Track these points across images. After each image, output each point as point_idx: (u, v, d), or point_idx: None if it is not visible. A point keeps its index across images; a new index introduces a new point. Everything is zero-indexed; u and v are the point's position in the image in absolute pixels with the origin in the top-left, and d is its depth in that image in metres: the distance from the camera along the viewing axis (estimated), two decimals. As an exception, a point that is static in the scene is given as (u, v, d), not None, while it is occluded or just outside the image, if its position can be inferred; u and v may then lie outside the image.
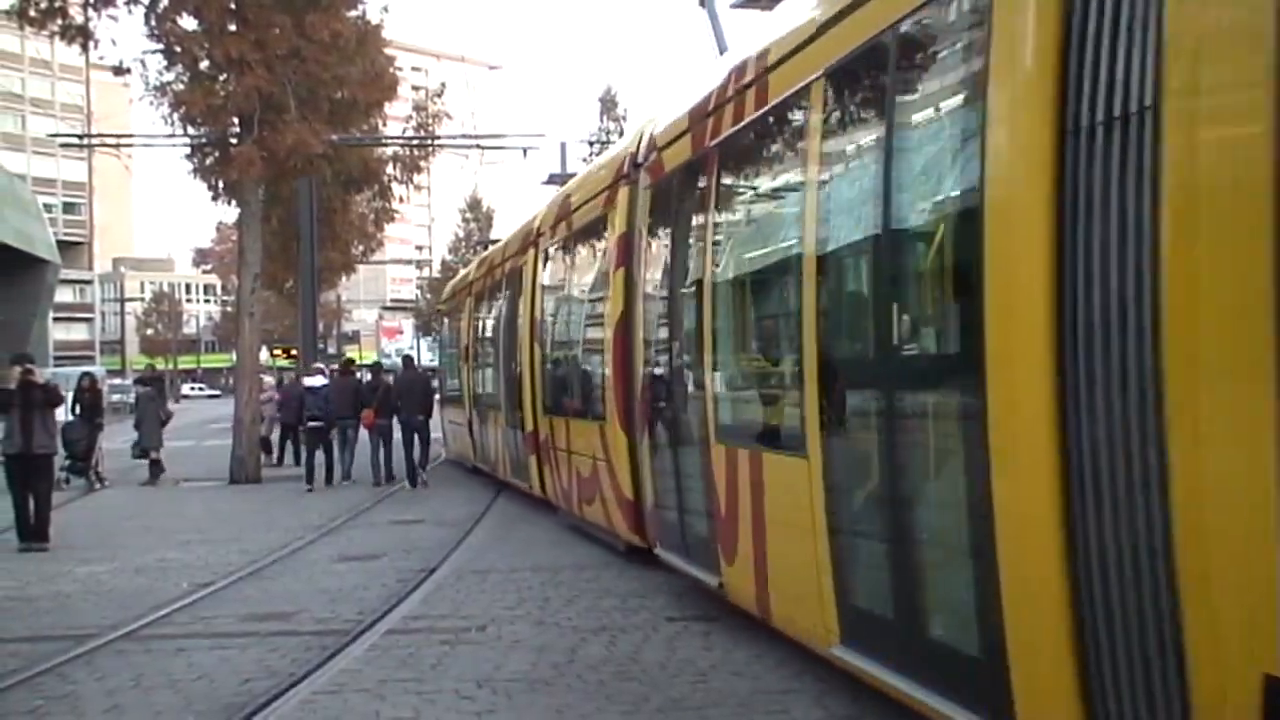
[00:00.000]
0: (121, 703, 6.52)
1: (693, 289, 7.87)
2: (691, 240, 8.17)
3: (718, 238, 7.61)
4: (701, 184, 7.80)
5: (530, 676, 6.81)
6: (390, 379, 20.48)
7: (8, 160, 69.81)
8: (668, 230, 8.83)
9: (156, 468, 20.81)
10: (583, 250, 12.20)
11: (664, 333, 8.91)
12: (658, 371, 9.00)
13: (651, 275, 9.25)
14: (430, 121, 30.84)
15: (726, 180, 7.54)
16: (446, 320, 25.95)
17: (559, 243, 13.10)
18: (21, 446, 12.54)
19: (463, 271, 24.64)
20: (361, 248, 36.69)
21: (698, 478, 7.79)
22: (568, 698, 6.35)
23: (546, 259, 13.68)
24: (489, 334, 18.10)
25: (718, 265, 7.56)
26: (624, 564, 10.51)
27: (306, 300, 30.74)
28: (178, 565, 11.47)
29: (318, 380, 20.33)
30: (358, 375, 20.97)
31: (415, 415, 18.98)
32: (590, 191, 11.68)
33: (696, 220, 8.04)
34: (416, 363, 27.25)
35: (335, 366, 24.11)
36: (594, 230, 11.39)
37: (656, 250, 9.17)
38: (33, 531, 12.60)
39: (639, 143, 10.05)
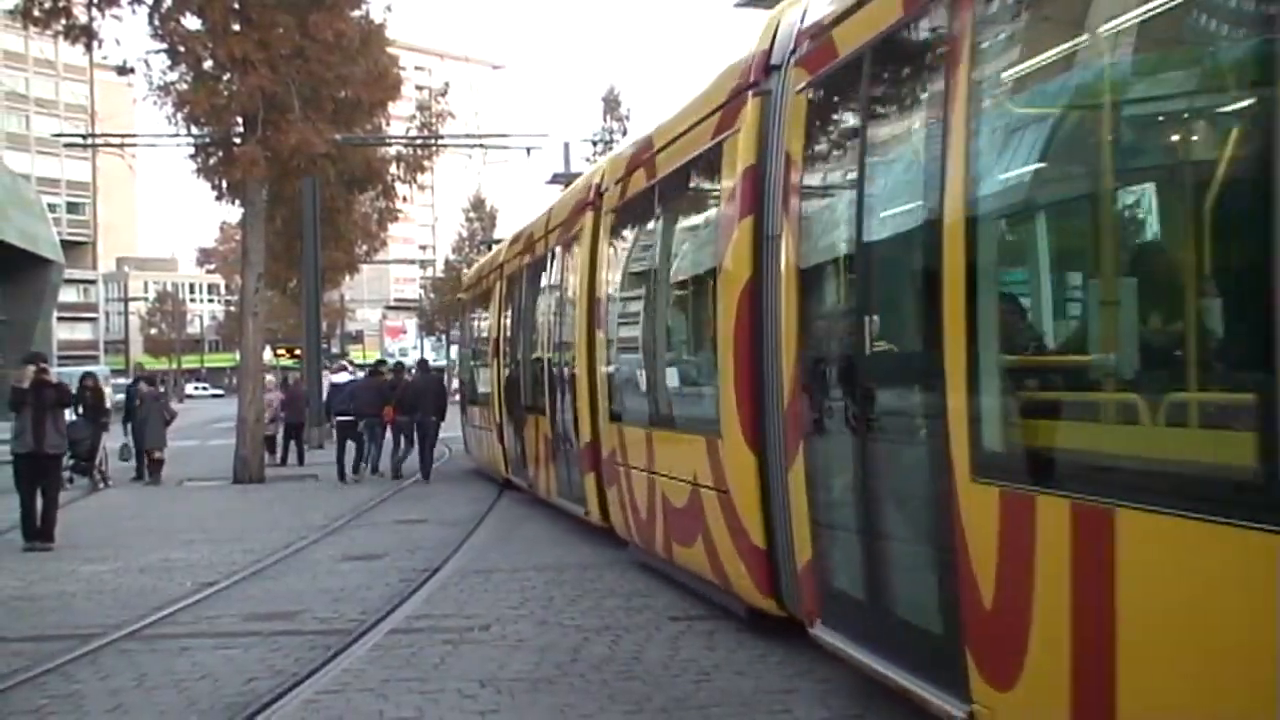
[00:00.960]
0: (125, 702, 6.53)
1: (922, 222, 4.97)
2: (915, 146, 5.23)
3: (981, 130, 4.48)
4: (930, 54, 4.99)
5: (533, 676, 6.81)
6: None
7: (12, 160, 69.88)
8: (846, 145, 6.05)
9: (157, 467, 20.84)
10: (675, 202, 9.11)
11: (843, 299, 6.06)
12: (826, 361, 6.10)
13: (814, 215, 6.47)
14: (434, 121, 30.92)
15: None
16: (468, 311, 22.87)
17: (635, 198, 9.91)
18: (34, 446, 12.46)
19: (491, 253, 19.96)
20: (365, 247, 36.74)
21: (923, 535, 5.11)
22: (570, 697, 6.35)
23: (617, 221, 10.58)
24: (528, 323, 14.96)
25: (989, 182, 4.51)
26: (627, 564, 10.51)
27: (310, 300, 30.81)
28: (181, 564, 11.48)
29: (342, 377, 22.56)
30: (385, 375, 21.60)
31: (428, 416, 19.94)
32: (690, 119, 8.50)
33: (922, 116, 5.15)
34: (430, 365, 27.34)
35: (349, 364, 25.34)
36: (695, 172, 8.53)
37: (820, 177, 6.40)
38: (39, 531, 12.56)
39: (773, 35, 7.14)
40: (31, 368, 12.70)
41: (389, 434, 20.58)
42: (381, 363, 25.02)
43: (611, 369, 10.49)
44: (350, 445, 20.62)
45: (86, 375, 20.33)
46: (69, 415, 14.45)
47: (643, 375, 9.58)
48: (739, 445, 7.13)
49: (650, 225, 9.73)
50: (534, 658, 7.23)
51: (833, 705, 6.04)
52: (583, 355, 11.26)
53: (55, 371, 13.98)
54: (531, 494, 14.85)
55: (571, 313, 11.85)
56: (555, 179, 55.18)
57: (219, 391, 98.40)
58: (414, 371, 22.14)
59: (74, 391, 16.74)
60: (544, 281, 14.07)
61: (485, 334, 19.25)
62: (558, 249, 13.12)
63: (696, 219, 8.70)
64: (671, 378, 9.09)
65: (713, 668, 6.89)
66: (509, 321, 16.60)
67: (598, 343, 10.80)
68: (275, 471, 21.50)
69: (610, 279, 10.64)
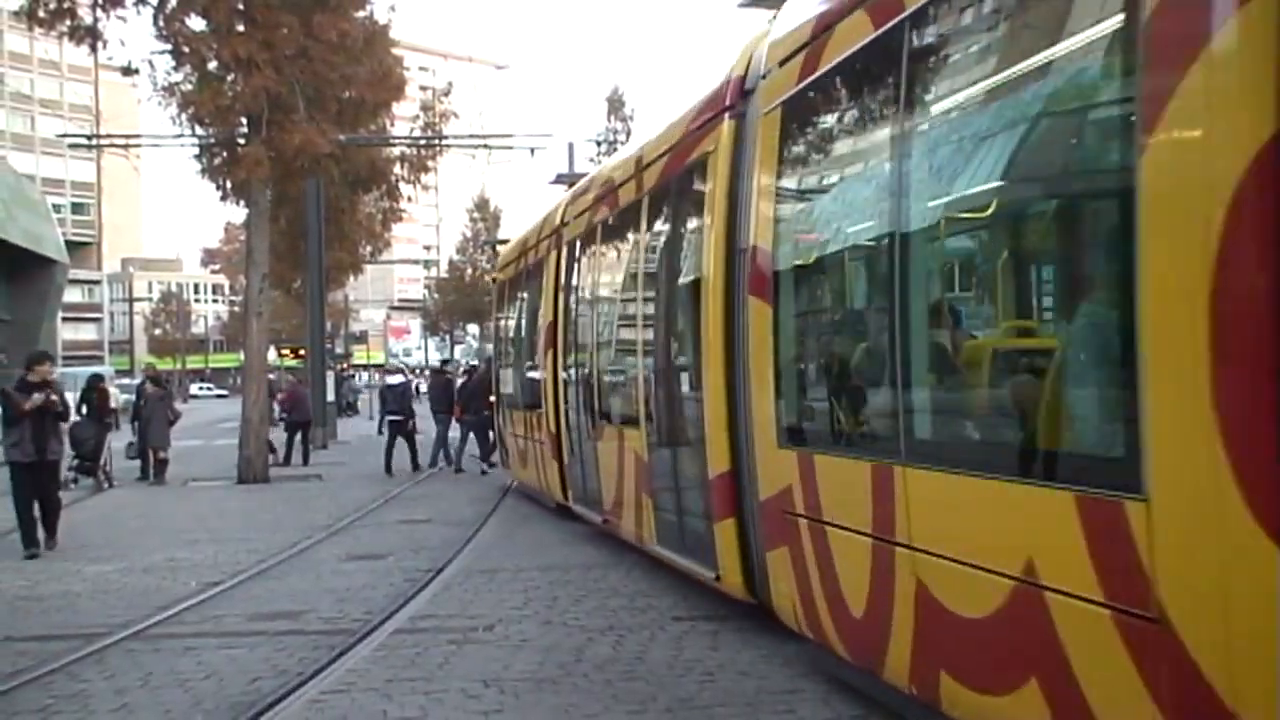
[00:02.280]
0: (130, 701, 6.55)
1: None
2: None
3: None
4: None
5: (537, 676, 6.82)
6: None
7: (17, 161, 69.96)
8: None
9: (162, 467, 20.89)
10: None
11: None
12: None
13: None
14: (437, 121, 30.93)
15: None
16: (504, 296, 18.42)
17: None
18: (35, 455, 12.16)
19: (539, 220, 15.62)
20: (369, 247, 36.75)
21: None
22: (574, 697, 6.36)
23: (798, 123, 6.50)
24: (607, 303, 11.28)
25: None
26: (631, 564, 10.52)
27: (315, 300, 30.85)
28: (186, 564, 11.50)
29: (397, 378, 24.16)
30: (449, 375, 23.20)
31: (480, 413, 20.96)
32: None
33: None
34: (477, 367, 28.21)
35: (403, 366, 26.54)
36: None
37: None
38: (42, 532, 12.41)
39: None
40: (39, 395, 12.13)
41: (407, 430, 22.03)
42: (446, 362, 26.91)
43: (796, 358, 6.72)
44: (399, 442, 21.98)
45: (93, 377, 20.37)
46: (73, 415, 14.36)
47: (873, 375, 5.67)
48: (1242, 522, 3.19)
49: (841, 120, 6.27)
50: (538, 658, 7.24)
51: (836, 706, 6.05)
52: (714, 344, 7.61)
53: (59, 371, 13.66)
54: (607, 532, 11.30)
55: (695, 280, 8.08)
56: (559, 179, 55.24)
57: (223, 392, 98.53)
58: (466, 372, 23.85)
59: (73, 393, 16.76)
60: (636, 242, 10.16)
61: (530, 321, 15.48)
62: (665, 193, 9.17)
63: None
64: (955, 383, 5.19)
65: (717, 668, 6.90)
66: (572, 302, 12.48)
67: (754, 322, 6.88)
68: (279, 471, 21.53)
69: (767, 214, 6.79)
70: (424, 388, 31.43)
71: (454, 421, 21.75)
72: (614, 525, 10.79)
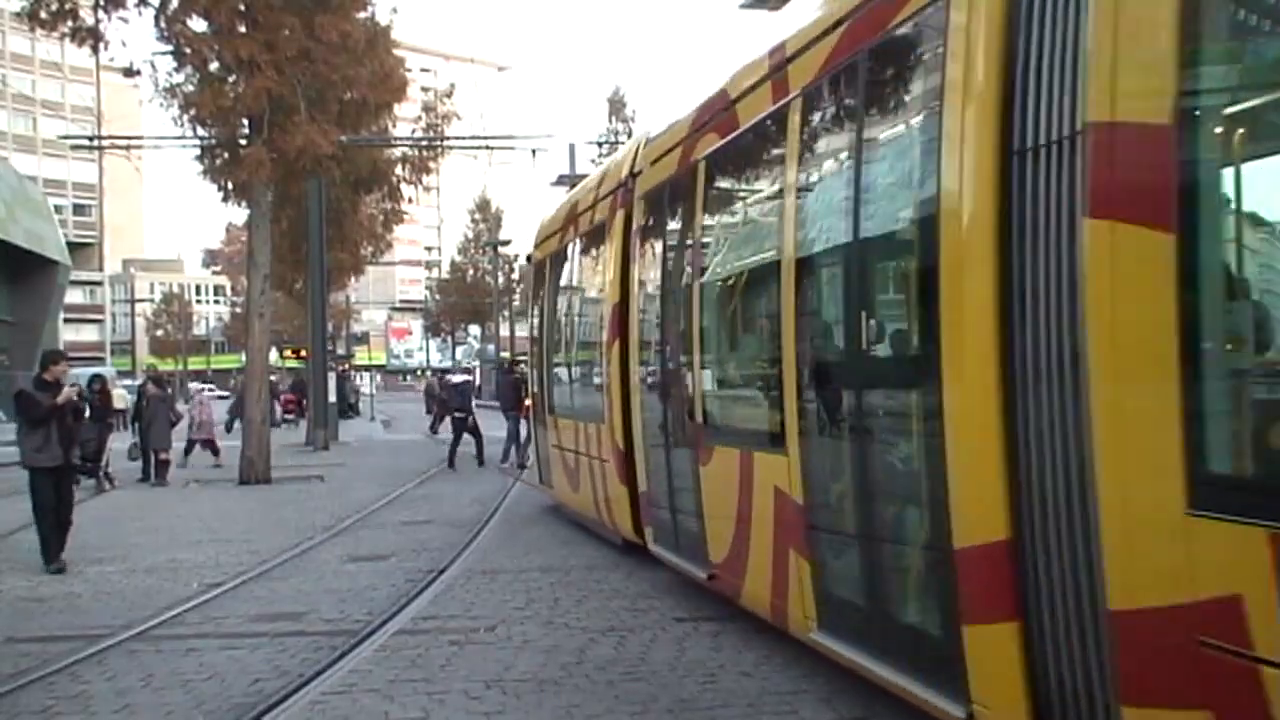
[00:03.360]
0: (132, 702, 6.55)
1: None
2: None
3: None
4: None
5: (539, 677, 6.82)
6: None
7: (19, 162, 70.06)
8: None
9: (163, 468, 20.90)
10: None
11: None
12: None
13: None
14: (439, 122, 30.92)
15: None
16: (546, 274, 14.36)
17: None
18: (63, 459, 11.54)
19: (595, 174, 13.37)
20: (371, 249, 36.77)
21: None
22: (576, 698, 6.36)
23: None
24: (731, 273, 8.15)
25: None
26: (633, 565, 10.52)
27: (316, 301, 30.86)
28: (188, 565, 11.50)
29: (460, 378, 26.69)
30: (518, 375, 24.13)
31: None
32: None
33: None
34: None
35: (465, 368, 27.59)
36: None
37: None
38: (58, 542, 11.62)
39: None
40: (70, 389, 11.64)
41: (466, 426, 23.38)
42: (516, 362, 28.09)
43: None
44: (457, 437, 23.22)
45: (95, 378, 20.37)
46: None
47: None
48: None
49: None
50: (540, 659, 7.24)
51: (839, 707, 6.05)
52: (977, 320, 4.52)
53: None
54: (714, 592, 8.26)
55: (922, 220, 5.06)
56: (561, 180, 55.30)
57: (225, 393, 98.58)
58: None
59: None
60: (782, 178, 6.70)
61: (582, 306, 12.67)
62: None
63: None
64: None
65: (718, 669, 6.90)
66: (654, 276, 9.49)
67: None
68: (282, 473, 21.52)
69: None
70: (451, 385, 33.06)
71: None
72: (729, 586, 7.75)
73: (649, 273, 9.65)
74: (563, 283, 13.74)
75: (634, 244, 10.06)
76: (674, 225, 9.00)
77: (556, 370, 14.01)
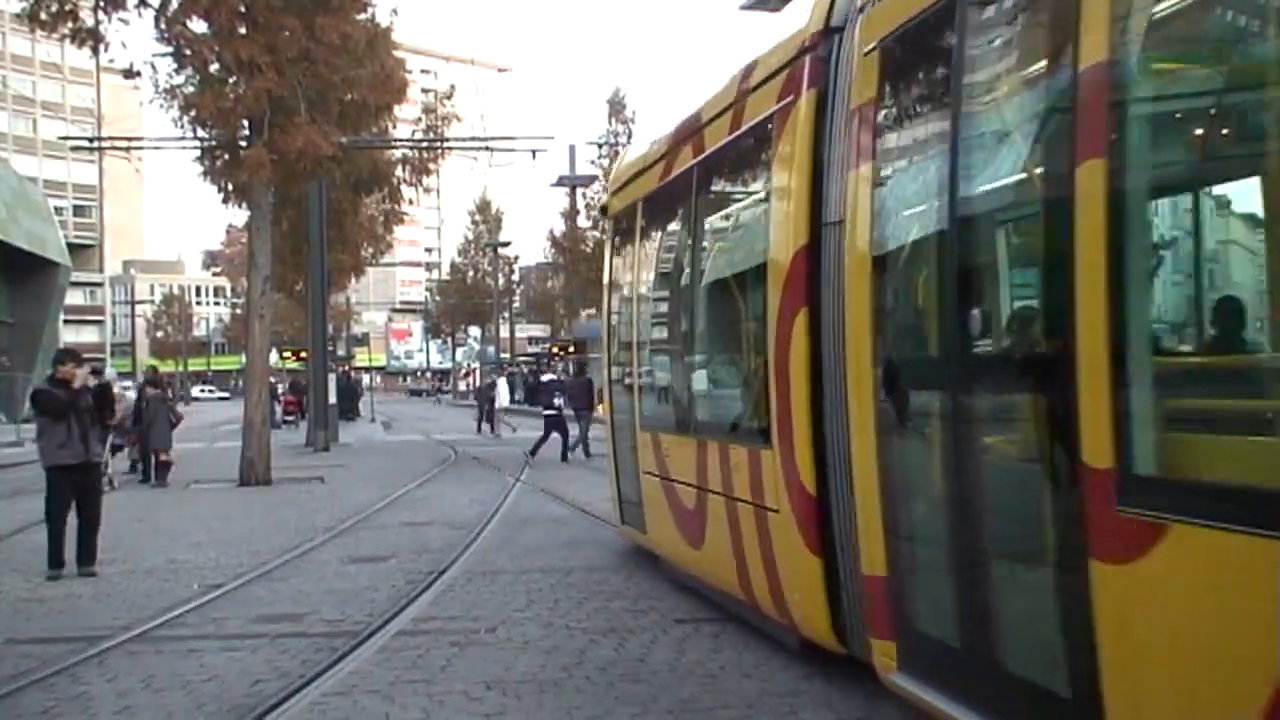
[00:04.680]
0: (133, 704, 6.55)
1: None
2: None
3: None
4: None
5: (540, 678, 6.82)
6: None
7: (19, 163, 70.13)
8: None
9: (164, 469, 20.89)
10: None
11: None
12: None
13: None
14: (439, 124, 30.96)
15: None
16: (631, 234, 10.62)
17: None
18: (84, 455, 11.24)
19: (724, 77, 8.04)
20: (371, 250, 36.80)
21: None
22: (577, 699, 6.36)
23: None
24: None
25: None
26: (634, 566, 10.52)
27: (317, 302, 30.87)
28: (188, 566, 11.50)
29: (548, 376, 28.42)
30: (589, 376, 25.90)
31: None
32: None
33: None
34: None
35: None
36: None
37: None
38: (79, 555, 11.23)
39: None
40: (84, 370, 11.38)
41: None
42: (584, 365, 29.61)
43: None
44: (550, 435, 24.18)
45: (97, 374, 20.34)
46: None
47: None
48: None
49: None
50: (540, 660, 7.24)
51: (839, 708, 6.05)
52: None
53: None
54: None
55: None
56: (560, 181, 55.19)
57: (225, 394, 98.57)
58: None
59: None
60: None
61: (709, 264, 8.62)
62: None
63: None
64: None
65: (719, 670, 6.90)
66: (900, 188, 5.60)
67: None
68: (282, 474, 21.52)
69: None
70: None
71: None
72: None
73: (881, 185, 5.54)
74: (669, 235, 9.71)
75: (846, 137, 5.91)
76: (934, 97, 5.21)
77: (655, 363, 10.19)
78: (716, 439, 7.96)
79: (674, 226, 9.54)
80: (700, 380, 8.80)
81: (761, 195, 7.31)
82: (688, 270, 8.76)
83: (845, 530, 6.03)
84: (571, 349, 55.74)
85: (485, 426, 36.82)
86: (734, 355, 8.30)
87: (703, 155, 8.28)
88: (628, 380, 10.55)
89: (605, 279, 11.55)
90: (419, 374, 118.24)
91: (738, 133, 7.57)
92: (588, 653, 7.41)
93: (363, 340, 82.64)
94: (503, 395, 36.57)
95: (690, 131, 8.60)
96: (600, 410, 14.13)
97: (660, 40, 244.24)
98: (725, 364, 8.55)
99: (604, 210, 11.77)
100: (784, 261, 6.52)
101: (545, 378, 29.81)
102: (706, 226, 8.62)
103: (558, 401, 24.62)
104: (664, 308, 9.89)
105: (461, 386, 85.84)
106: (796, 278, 6.38)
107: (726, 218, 8.53)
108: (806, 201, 6.37)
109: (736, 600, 7.84)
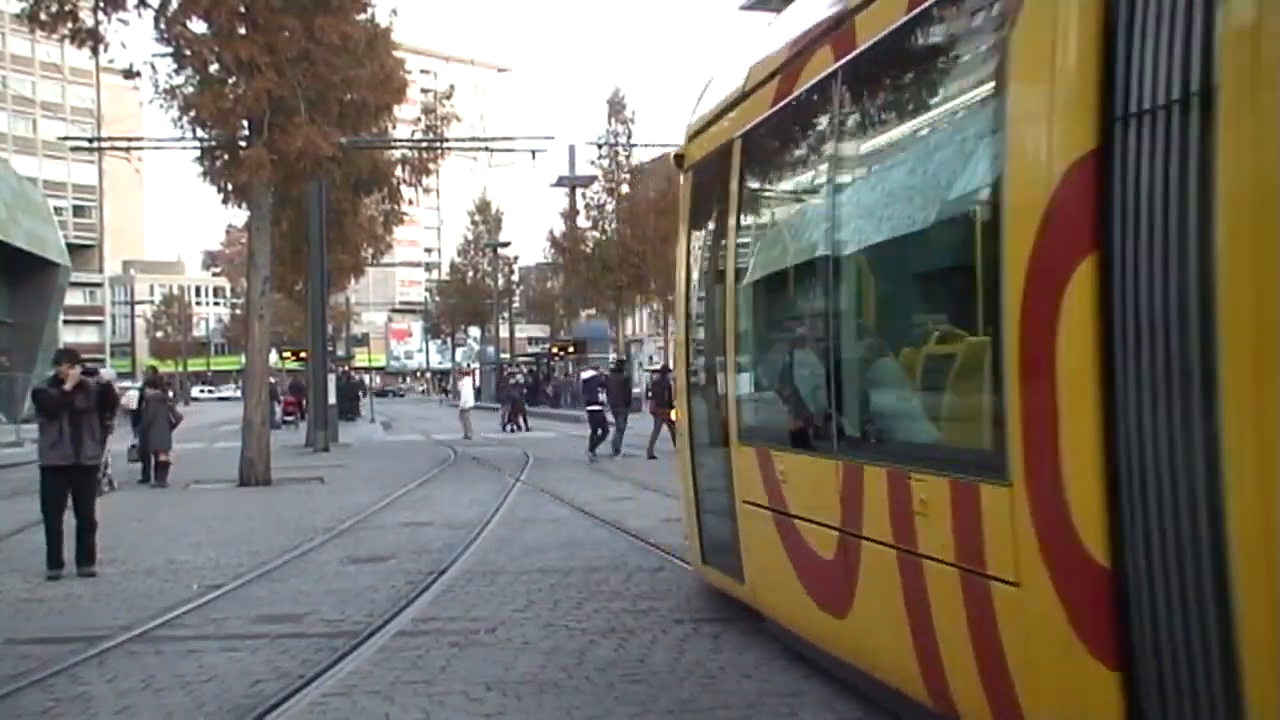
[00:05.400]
0: (133, 704, 6.54)
1: None
2: None
3: None
4: None
5: (539, 678, 6.82)
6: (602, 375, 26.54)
7: (19, 164, 70.11)
8: None
9: (164, 469, 20.89)
10: None
11: None
12: None
13: None
14: (439, 124, 30.96)
15: None
16: (735, 174, 7.58)
17: None
18: (74, 457, 11.20)
19: None
20: (371, 250, 36.81)
21: None
22: (577, 700, 6.36)
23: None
24: None
25: None
26: (634, 567, 10.52)
27: (316, 303, 30.86)
28: (188, 567, 11.50)
29: (589, 373, 28.37)
30: (625, 375, 26.88)
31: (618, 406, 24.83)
32: None
33: None
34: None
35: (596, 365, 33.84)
36: None
37: None
38: (78, 555, 11.24)
39: None
40: (76, 370, 11.38)
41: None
42: (622, 362, 31.04)
43: None
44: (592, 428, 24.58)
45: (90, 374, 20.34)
46: None
47: None
48: None
49: None
50: (540, 660, 7.24)
51: (839, 709, 6.04)
52: None
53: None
54: None
55: None
56: (560, 182, 55.13)
57: (225, 395, 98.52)
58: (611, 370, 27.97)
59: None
60: None
61: (868, 211, 5.85)
62: None
63: None
64: None
65: (719, 670, 6.90)
66: None
67: None
68: (281, 474, 21.51)
69: None
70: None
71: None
72: None
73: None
74: (790, 179, 7.21)
75: None
76: None
77: (766, 355, 7.69)
78: (883, 461, 5.39)
79: (800, 167, 6.93)
80: (852, 374, 6.03)
81: (982, 90, 4.71)
82: (826, 225, 6.08)
83: (1163, 627, 3.58)
84: (572, 349, 55.76)
85: (510, 426, 37.41)
86: (917, 335, 5.65)
87: (854, 53, 5.68)
88: (719, 380, 7.95)
89: (681, 253, 9.11)
90: (418, 374, 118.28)
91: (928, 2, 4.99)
92: (587, 653, 7.40)
93: (363, 340, 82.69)
94: (466, 397, 36.35)
95: (825, 28, 6.09)
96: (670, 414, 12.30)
97: (660, 40, 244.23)
98: (899, 348, 5.79)
99: (679, 161, 9.12)
100: (1045, 184, 4.03)
101: (586, 374, 29.87)
102: (861, 155, 5.92)
103: (602, 397, 24.79)
104: (783, 280, 7.19)
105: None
106: (1070, 208, 3.94)
107: (901, 139, 5.57)
108: (1092, 82, 3.84)
109: (911, 700, 5.32)
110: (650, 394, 26.51)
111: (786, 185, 7.26)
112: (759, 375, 7.64)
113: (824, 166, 6.24)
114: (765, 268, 7.44)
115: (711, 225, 8.33)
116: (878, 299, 6.16)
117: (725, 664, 7.04)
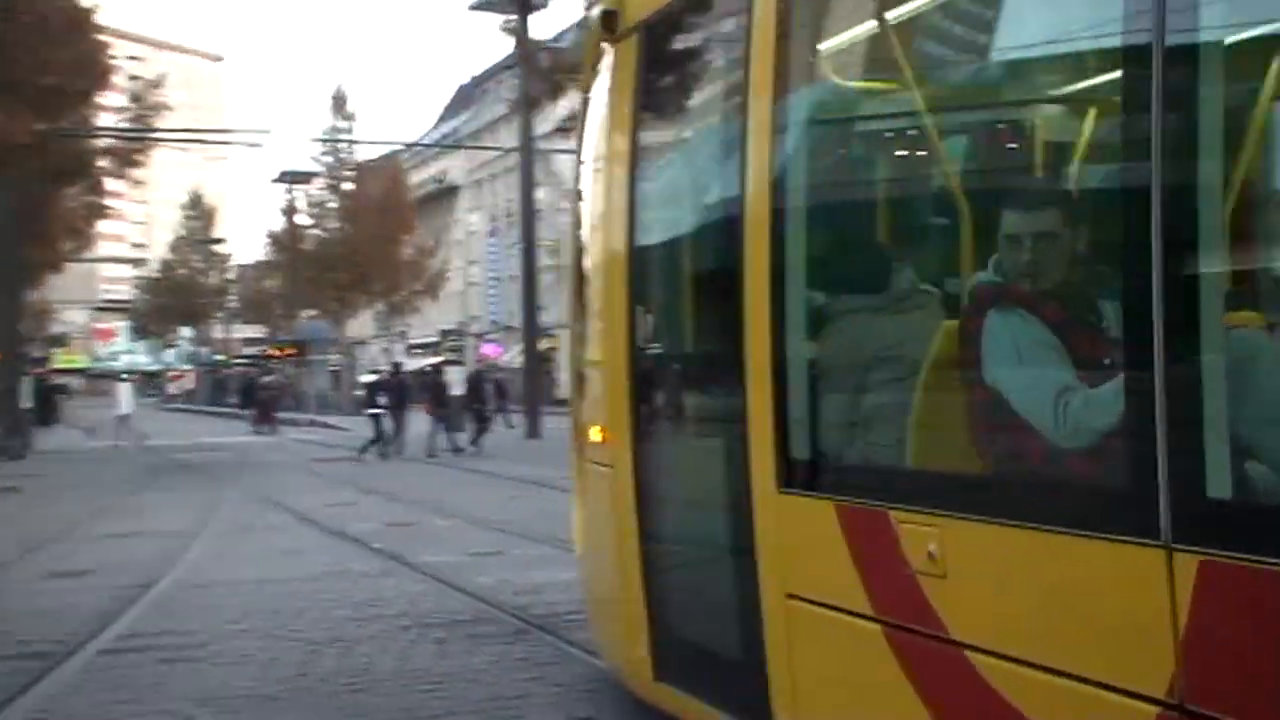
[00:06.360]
0: None
1: None
2: None
3: None
4: None
5: (259, 693, 6.56)
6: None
7: None
8: None
9: None
10: None
11: None
12: None
13: None
14: (148, 113, 29.54)
15: None
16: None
17: None
18: None
19: None
20: (70, 244, 34.85)
21: None
22: (298, 713, 6.16)
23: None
24: None
25: None
26: (358, 574, 10.29)
27: (8, 300, 28.84)
28: None
29: (369, 377, 28.01)
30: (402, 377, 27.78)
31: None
32: None
33: None
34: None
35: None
36: None
37: None
38: None
39: None
40: None
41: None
42: (399, 365, 30.70)
43: None
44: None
45: None
46: None
47: None
48: None
49: None
50: (257, 673, 6.97)
51: (567, 707, 6.08)
52: None
53: None
54: None
55: None
56: (283, 177, 53.74)
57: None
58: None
59: None
60: None
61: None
62: None
63: None
64: None
65: (445, 676, 6.83)
66: None
67: None
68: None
69: None
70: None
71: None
72: None
73: None
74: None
75: None
76: None
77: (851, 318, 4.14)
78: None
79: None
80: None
81: None
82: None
83: None
84: (293, 350, 54.22)
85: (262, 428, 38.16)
86: None
87: None
88: (729, 379, 4.22)
89: (608, 162, 5.36)
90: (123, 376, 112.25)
91: None
92: (310, 664, 7.18)
93: (61, 340, 77.88)
94: (124, 401, 34.44)
95: None
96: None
97: (385, 38, 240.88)
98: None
99: (610, 21, 5.22)
100: None
101: (366, 378, 31.31)
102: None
103: (381, 400, 25.77)
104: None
105: (171, 390, 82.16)
106: None
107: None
108: None
109: None
110: (430, 394, 27.01)
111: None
112: (874, 374, 3.94)
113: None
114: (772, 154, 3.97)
115: (674, 125, 5.50)
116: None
117: (451, 670, 6.97)
